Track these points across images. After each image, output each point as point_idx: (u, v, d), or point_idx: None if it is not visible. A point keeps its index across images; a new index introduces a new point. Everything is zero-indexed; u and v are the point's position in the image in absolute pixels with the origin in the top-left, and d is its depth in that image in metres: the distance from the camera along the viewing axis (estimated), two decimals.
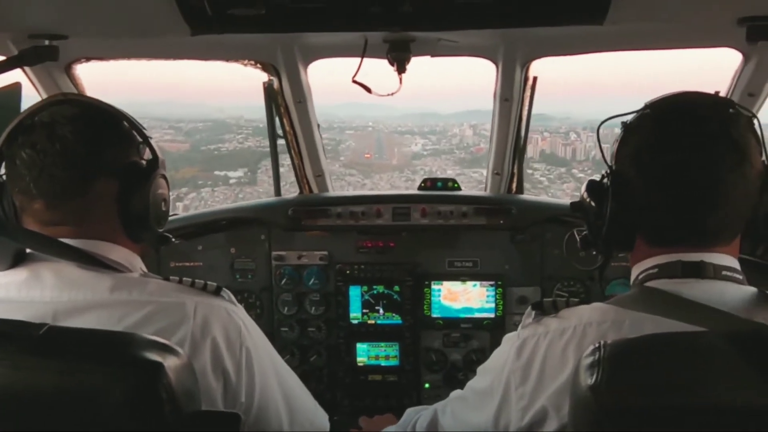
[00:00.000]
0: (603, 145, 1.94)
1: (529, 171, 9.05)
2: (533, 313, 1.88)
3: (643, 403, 1.36)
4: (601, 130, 2.00)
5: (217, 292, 1.94)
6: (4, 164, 1.91)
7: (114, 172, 1.90)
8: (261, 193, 9.17)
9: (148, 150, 2.00)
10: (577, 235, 2.09)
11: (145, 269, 2.03)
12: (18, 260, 1.84)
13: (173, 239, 2.18)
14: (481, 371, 2.09)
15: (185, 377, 1.53)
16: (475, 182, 4.14)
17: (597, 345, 1.44)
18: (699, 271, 1.71)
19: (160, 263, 3.90)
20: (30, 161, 1.81)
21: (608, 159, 1.88)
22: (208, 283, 1.95)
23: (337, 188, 4.29)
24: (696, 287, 1.68)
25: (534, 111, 3.88)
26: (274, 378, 2.06)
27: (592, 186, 1.93)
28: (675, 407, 1.36)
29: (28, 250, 1.86)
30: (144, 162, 1.99)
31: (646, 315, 1.64)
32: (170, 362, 1.48)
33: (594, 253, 2.03)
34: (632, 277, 1.87)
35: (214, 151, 10.03)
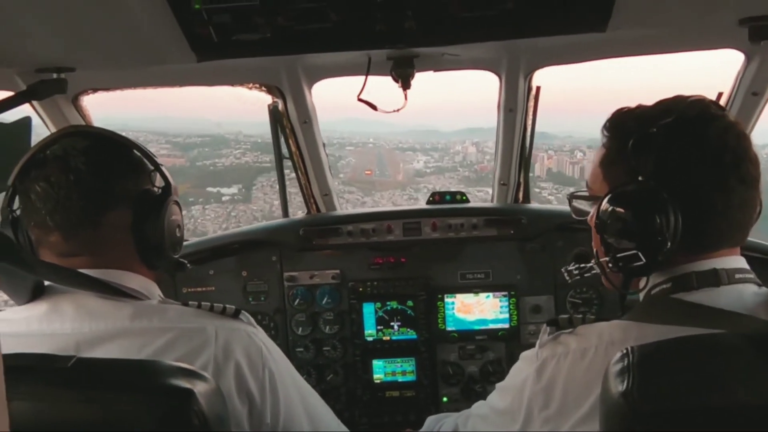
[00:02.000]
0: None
1: (537, 190, 8.98)
2: (549, 329, 1.86)
3: (675, 405, 1.36)
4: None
5: (236, 315, 1.96)
6: (17, 199, 1.93)
7: (128, 201, 1.93)
8: (255, 211, 9.13)
9: (159, 177, 2.02)
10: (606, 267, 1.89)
11: (162, 296, 2.05)
12: (36, 294, 1.85)
13: (188, 264, 2.19)
14: (500, 389, 2.07)
15: (215, 402, 1.54)
16: (480, 201, 4.13)
17: (625, 351, 1.44)
18: (713, 279, 1.70)
19: (176, 289, 3.91)
20: (45, 194, 1.83)
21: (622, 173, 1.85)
22: (227, 306, 1.97)
23: (332, 183, 4.27)
24: (714, 295, 1.67)
25: (535, 130, 3.89)
26: (297, 397, 2.07)
27: (608, 200, 1.81)
28: (706, 408, 1.36)
29: (46, 283, 1.87)
30: (156, 189, 2.02)
31: (668, 327, 1.62)
32: (200, 388, 1.49)
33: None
34: (643, 292, 1.85)
35: (210, 167, 9.84)
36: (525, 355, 1.94)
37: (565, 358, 1.76)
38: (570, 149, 9.76)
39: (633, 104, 1.89)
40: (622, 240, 1.75)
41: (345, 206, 4.40)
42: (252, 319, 2.02)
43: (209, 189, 9.68)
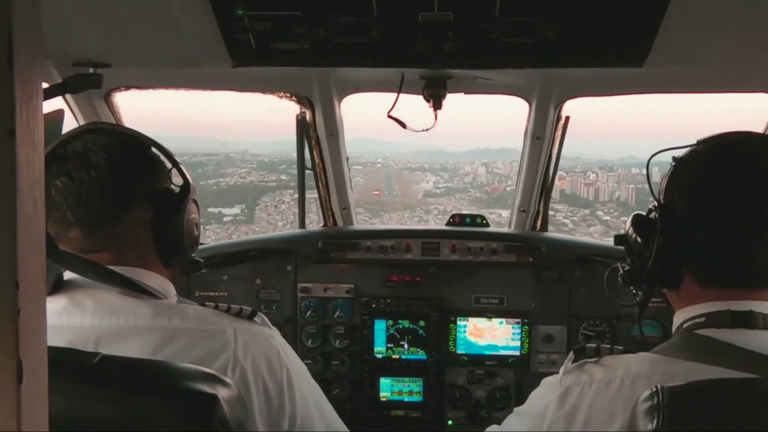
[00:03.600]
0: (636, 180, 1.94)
1: (551, 212, 8.57)
2: (574, 356, 1.86)
3: None
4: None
5: (251, 317, 1.97)
6: None
7: (148, 198, 1.94)
8: (257, 232, 8.81)
9: (178, 175, 2.04)
10: (621, 268, 2.07)
11: (178, 295, 2.05)
12: (56, 288, 1.85)
13: (203, 263, 2.20)
14: (518, 414, 2.05)
15: (238, 408, 1.54)
16: (494, 224, 4.12)
17: (654, 389, 1.42)
18: (748, 321, 1.67)
19: (190, 290, 3.91)
20: (66, 189, 1.83)
21: (655, 193, 1.87)
22: (243, 308, 1.98)
23: (351, 197, 4.26)
24: (747, 337, 1.65)
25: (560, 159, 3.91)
26: (312, 400, 2.07)
27: (639, 220, 1.91)
28: None
29: (65, 278, 1.87)
30: (176, 187, 2.03)
31: (697, 365, 1.61)
32: (223, 394, 1.49)
33: (633, 291, 2.01)
34: (675, 324, 1.84)
35: (214, 186, 9.66)
36: (547, 381, 1.93)
37: (590, 387, 1.74)
38: (582, 170, 9.59)
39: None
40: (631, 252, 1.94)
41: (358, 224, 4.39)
42: (267, 320, 2.03)
43: (210, 209, 9.44)
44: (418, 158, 12.04)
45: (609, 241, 3.93)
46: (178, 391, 1.47)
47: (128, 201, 1.90)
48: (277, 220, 8.78)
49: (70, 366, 1.49)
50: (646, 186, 1.92)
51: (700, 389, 1.44)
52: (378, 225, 4.28)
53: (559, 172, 4.08)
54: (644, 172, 1.94)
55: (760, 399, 1.41)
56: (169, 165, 2.06)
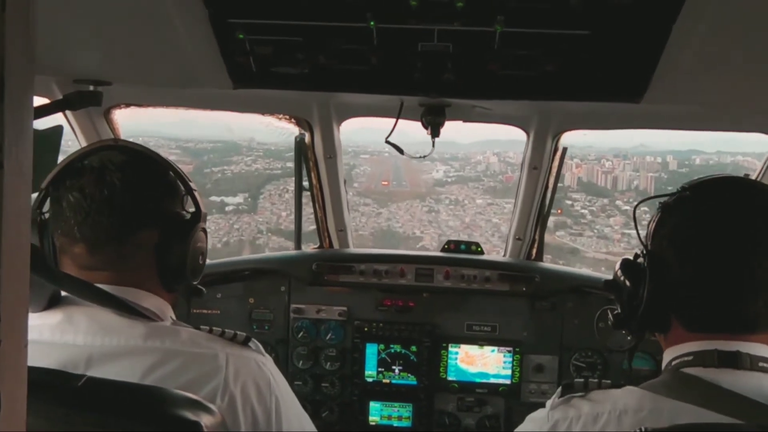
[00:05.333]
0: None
1: (568, 202, 8.47)
2: (561, 391, 1.85)
3: None
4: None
5: (245, 343, 1.95)
6: (48, 203, 1.93)
7: (157, 222, 1.93)
8: (260, 223, 8.74)
9: (191, 201, 2.03)
10: (609, 314, 2.08)
11: (174, 317, 2.04)
12: (52, 302, 1.85)
13: (205, 292, 2.19)
14: None
15: None
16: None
17: (639, 430, 1.42)
18: (735, 361, 1.67)
19: (189, 312, 3.90)
20: (77, 205, 1.83)
21: (643, 239, 1.87)
22: (237, 333, 1.95)
23: (348, 219, 4.25)
24: (733, 378, 1.65)
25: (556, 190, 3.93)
26: (299, 429, 2.05)
27: (627, 265, 1.91)
28: None
29: (63, 294, 1.87)
30: (186, 214, 2.02)
31: (683, 404, 1.61)
32: (206, 421, 1.48)
33: (624, 332, 2.01)
34: (664, 362, 1.84)
35: (218, 174, 9.26)
36: (534, 416, 1.93)
37: (577, 422, 1.74)
38: (596, 158, 9.04)
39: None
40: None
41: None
42: (261, 348, 2.01)
43: (213, 198, 9.06)
44: (426, 149, 11.67)
45: (613, 259, 3.94)
46: (161, 417, 1.46)
47: (136, 223, 1.89)
48: (281, 210, 8.41)
49: (55, 388, 1.49)
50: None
51: None
52: (374, 249, 4.26)
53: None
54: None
55: None
56: (184, 190, 2.04)
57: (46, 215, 1.93)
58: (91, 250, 1.86)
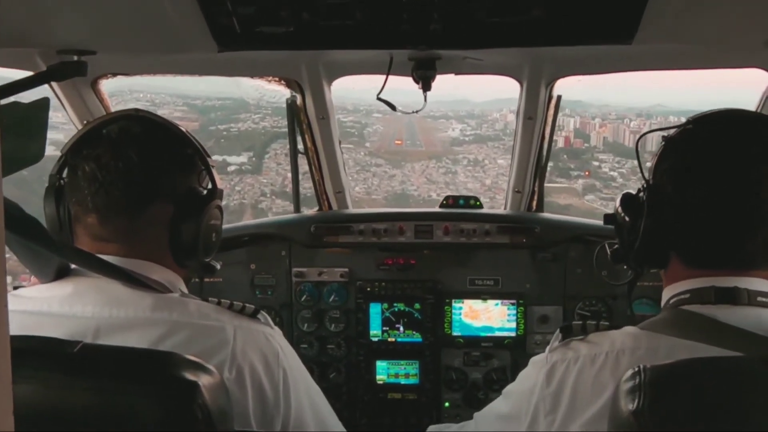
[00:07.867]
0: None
1: (596, 163, 8.14)
2: (561, 335, 1.86)
3: (686, 428, 1.34)
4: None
5: (254, 315, 1.95)
6: (66, 171, 1.93)
7: (171, 196, 1.93)
8: (264, 185, 8.51)
9: (208, 177, 2.03)
10: (608, 249, 2.07)
11: (185, 290, 2.04)
12: (61, 273, 1.85)
13: (218, 268, 2.18)
14: (506, 394, 2.06)
15: (219, 397, 1.52)
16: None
17: (636, 369, 1.42)
18: (733, 297, 1.67)
19: (202, 287, 3.90)
20: (91, 175, 1.84)
21: (645, 172, 1.86)
22: (246, 305, 1.95)
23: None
24: (731, 313, 1.64)
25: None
26: (307, 401, 2.06)
27: (627, 200, 1.90)
28: None
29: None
30: (202, 190, 2.00)
31: (680, 341, 1.61)
32: (205, 381, 1.48)
33: (625, 268, 2.00)
34: (663, 300, 1.84)
35: (224, 132, 8.85)
36: (534, 360, 1.94)
37: (575, 363, 1.75)
38: (617, 117, 8.71)
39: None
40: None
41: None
42: (269, 320, 2.01)
43: (215, 157, 8.88)
44: (442, 107, 10.77)
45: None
46: (158, 378, 1.46)
47: (150, 197, 1.89)
48: (287, 171, 8.19)
49: (49, 355, 1.49)
50: None
51: (682, 369, 1.44)
52: (371, 209, 4.25)
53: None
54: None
55: (742, 379, 1.40)
56: (201, 166, 2.04)
57: (63, 181, 1.94)
58: (102, 221, 1.87)
